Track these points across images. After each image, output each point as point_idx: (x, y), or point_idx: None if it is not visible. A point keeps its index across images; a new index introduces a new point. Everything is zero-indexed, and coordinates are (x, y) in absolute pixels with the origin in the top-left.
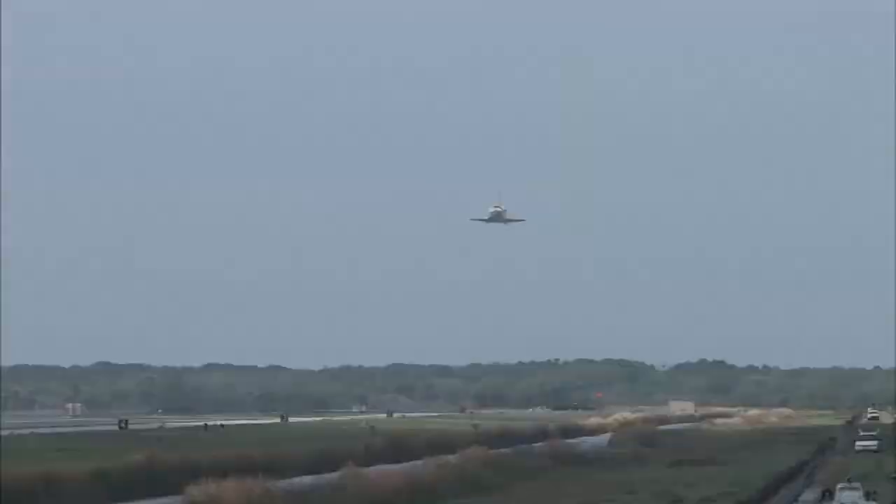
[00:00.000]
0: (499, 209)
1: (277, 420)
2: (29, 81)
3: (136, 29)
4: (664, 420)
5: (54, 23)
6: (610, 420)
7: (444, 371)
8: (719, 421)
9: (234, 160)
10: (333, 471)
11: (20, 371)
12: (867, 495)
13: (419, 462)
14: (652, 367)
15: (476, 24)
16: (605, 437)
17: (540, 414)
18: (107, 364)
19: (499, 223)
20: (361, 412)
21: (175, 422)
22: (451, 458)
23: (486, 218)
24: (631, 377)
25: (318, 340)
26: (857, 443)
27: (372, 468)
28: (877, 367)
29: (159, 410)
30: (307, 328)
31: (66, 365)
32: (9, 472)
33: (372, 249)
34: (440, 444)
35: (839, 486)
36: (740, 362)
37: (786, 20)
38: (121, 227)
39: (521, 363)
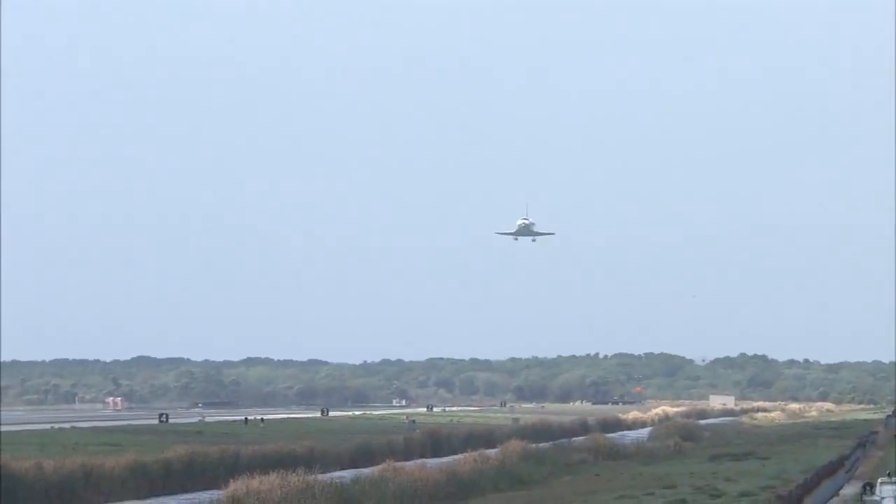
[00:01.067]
0: (526, 222)
1: (317, 414)
2: (27, 81)
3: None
4: (704, 414)
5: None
6: (650, 414)
7: (483, 365)
8: (759, 415)
9: (265, 158)
10: (373, 465)
11: (61, 365)
12: None
13: (459, 456)
14: (692, 361)
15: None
16: (645, 431)
17: (580, 408)
18: (146, 358)
19: (527, 237)
20: (401, 406)
21: (214, 416)
22: (491, 451)
23: (512, 231)
24: (671, 371)
25: (358, 334)
26: None
27: (412, 462)
28: None
29: (199, 404)
30: (347, 322)
31: (107, 359)
32: (49, 464)
33: (409, 243)
34: (480, 438)
35: (880, 480)
36: (780, 356)
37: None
38: (160, 222)
39: (560, 357)
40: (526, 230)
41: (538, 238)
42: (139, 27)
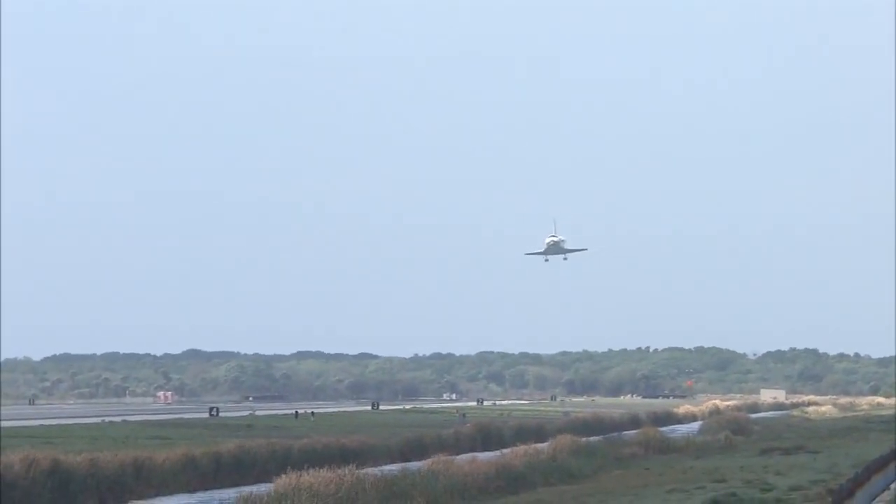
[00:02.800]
0: (555, 240)
1: (368, 408)
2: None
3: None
4: (755, 408)
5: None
6: (701, 408)
7: (534, 359)
8: (810, 409)
9: (318, 155)
10: (424, 459)
11: (112, 359)
12: None
13: (508, 450)
14: (743, 355)
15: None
16: (695, 425)
17: (630, 402)
18: (197, 352)
19: (557, 255)
20: (451, 400)
21: (265, 409)
22: (541, 445)
23: (541, 251)
24: (722, 365)
25: (409, 328)
26: None
27: (462, 456)
28: None
29: (249, 398)
30: (398, 316)
31: (158, 353)
32: (101, 457)
33: (458, 241)
34: (530, 432)
35: None
36: (831, 350)
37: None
38: (211, 216)
39: (611, 351)
40: (556, 248)
41: (569, 255)
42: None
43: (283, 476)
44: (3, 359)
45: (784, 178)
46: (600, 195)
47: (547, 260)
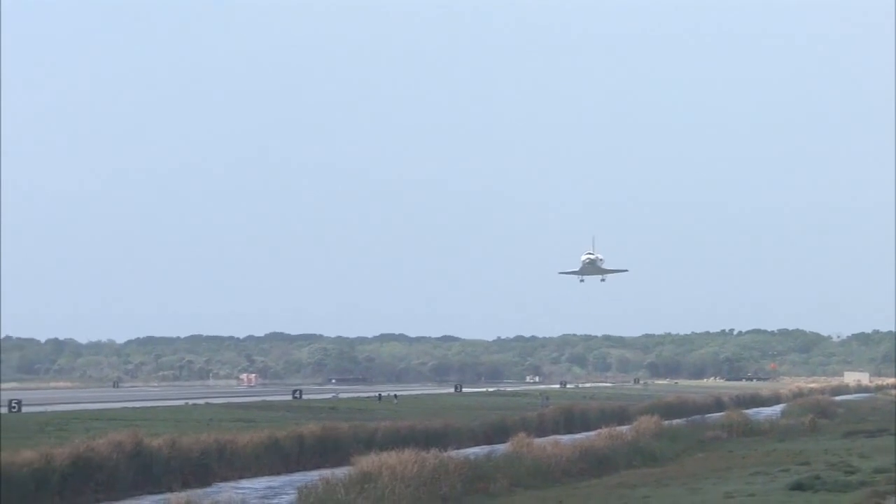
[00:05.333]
0: (591, 257)
1: (451, 390)
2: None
3: None
4: (839, 390)
5: None
6: (784, 391)
7: (616, 341)
8: (894, 392)
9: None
10: (507, 441)
11: (195, 341)
12: None
13: (592, 433)
14: (828, 337)
15: None
16: (778, 408)
17: (713, 384)
18: (280, 335)
19: (594, 276)
20: (534, 382)
21: (348, 392)
22: (624, 428)
23: (576, 270)
24: (805, 347)
25: (491, 311)
26: None
27: (545, 438)
28: None
29: (332, 380)
30: (480, 298)
31: (241, 336)
32: (184, 440)
33: (544, 217)
34: (613, 415)
35: None
36: None
37: None
38: (291, 200)
39: (694, 333)
40: (593, 268)
41: (607, 276)
42: None
43: (364, 457)
44: (86, 342)
45: (869, 156)
46: (690, 171)
47: (582, 280)
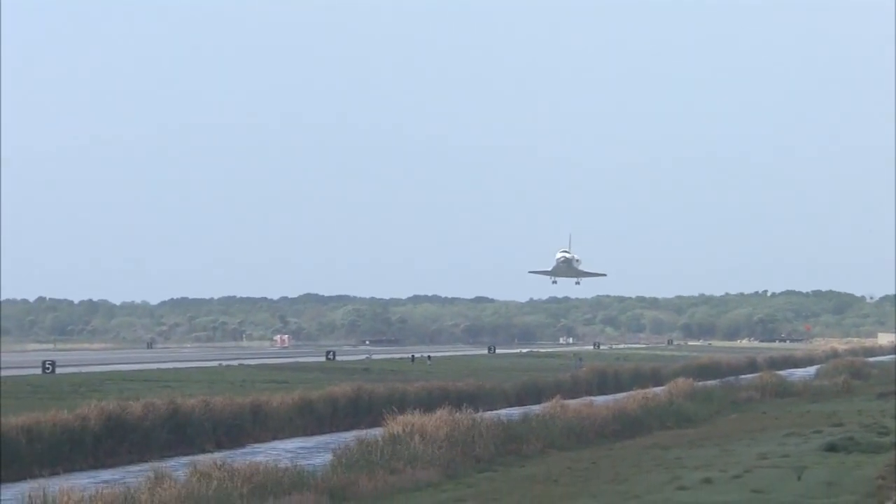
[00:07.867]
0: (566, 256)
1: (484, 352)
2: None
3: None
4: (872, 352)
5: None
6: (818, 352)
7: (650, 303)
8: None
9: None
10: (540, 402)
11: (228, 303)
12: None
13: (625, 394)
14: (861, 298)
15: None
16: (812, 369)
17: (747, 345)
18: (314, 296)
19: (567, 278)
20: (568, 344)
21: (381, 353)
22: (658, 389)
23: (548, 270)
24: (839, 309)
25: (524, 272)
26: None
27: (578, 400)
28: None
29: (366, 342)
30: (512, 260)
31: (274, 297)
32: (217, 401)
33: (575, 179)
34: (646, 376)
35: None
36: None
37: None
38: (324, 161)
39: (728, 295)
40: (567, 268)
41: (583, 280)
42: None
43: (396, 418)
44: (119, 303)
45: None
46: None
47: (555, 282)
